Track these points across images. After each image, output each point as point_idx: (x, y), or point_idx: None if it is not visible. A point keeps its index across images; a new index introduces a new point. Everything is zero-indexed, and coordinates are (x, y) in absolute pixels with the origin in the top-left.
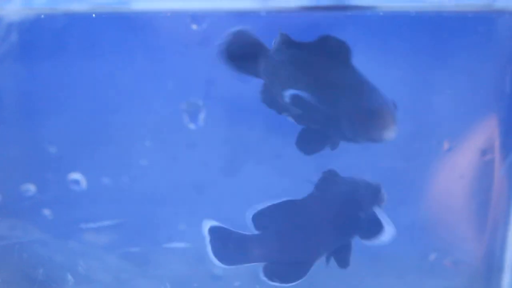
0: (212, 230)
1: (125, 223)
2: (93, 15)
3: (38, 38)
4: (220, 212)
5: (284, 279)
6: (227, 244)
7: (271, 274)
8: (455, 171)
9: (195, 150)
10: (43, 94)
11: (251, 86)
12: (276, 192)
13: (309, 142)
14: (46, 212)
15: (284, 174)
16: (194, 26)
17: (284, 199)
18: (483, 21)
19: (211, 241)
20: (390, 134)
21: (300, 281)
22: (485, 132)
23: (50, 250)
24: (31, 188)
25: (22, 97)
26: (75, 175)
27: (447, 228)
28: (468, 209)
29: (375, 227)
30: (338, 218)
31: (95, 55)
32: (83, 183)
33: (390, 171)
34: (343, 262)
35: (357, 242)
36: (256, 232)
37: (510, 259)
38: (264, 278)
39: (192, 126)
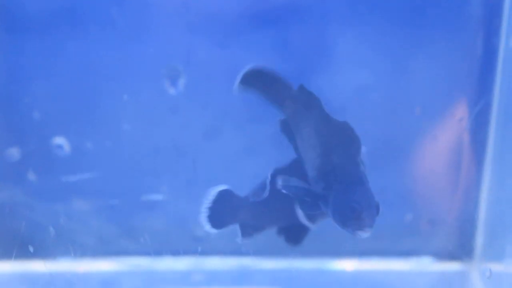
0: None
1: (106, 178)
2: None
3: (21, 6)
4: (201, 175)
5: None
6: (224, 208)
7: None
8: (428, 134)
9: (176, 114)
10: (27, 61)
11: (230, 52)
12: (256, 155)
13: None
14: (30, 175)
15: (263, 138)
16: None
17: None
18: None
19: (211, 206)
20: (364, 235)
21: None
22: (456, 95)
23: (35, 213)
24: (15, 152)
25: (6, 63)
26: (59, 140)
27: (422, 189)
28: (441, 169)
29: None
30: None
31: (77, 22)
32: (67, 147)
33: (365, 135)
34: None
35: None
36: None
37: (483, 216)
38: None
39: (172, 90)
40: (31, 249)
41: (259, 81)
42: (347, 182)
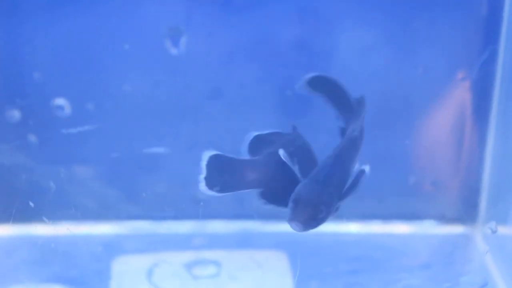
0: (210, 159)
1: (106, 139)
2: None
3: None
4: (203, 136)
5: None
6: (223, 172)
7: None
8: (431, 94)
9: (178, 75)
10: (27, 20)
11: (231, 9)
12: (258, 116)
13: None
14: (31, 138)
15: (266, 98)
16: None
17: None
18: None
19: (207, 171)
20: (294, 228)
21: None
22: (460, 54)
23: (35, 175)
24: (15, 114)
25: (6, 23)
26: (59, 101)
27: (425, 151)
28: (445, 131)
29: None
30: None
31: None
32: (67, 108)
33: (368, 96)
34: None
35: None
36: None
37: (487, 178)
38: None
39: (174, 51)
40: (31, 205)
41: (323, 86)
42: (309, 178)
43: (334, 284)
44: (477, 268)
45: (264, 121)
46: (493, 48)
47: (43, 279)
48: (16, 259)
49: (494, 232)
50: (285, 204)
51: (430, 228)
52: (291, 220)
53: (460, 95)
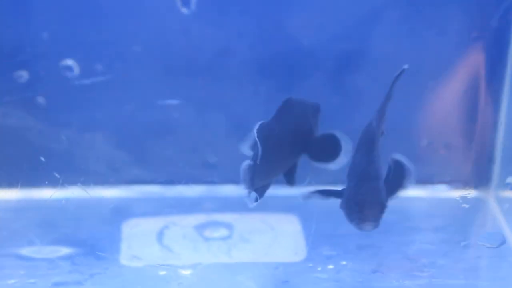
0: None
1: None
2: None
3: None
4: (214, 98)
5: None
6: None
7: None
8: (445, 55)
9: (188, 34)
10: None
11: None
12: (269, 77)
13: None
14: (39, 99)
15: (276, 59)
16: None
17: None
18: None
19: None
20: (366, 229)
21: None
22: (474, 12)
23: (44, 137)
24: (23, 74)
25: None
26: (68, 61)
27: (439, 114)
28: (458, 93)
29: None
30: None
31: None
32: (76, 69)
33: (382, 56)
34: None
35: None
36: None
37: (500, 143)
38: None
39: (184, 10)
40: (42, 160)
41: None
42: (358, 178)
43: (347, 246)
44: (493, 229)
45: (276, 81)
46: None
47: (53, 241)
48: (26, 221)
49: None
50: None
51: (442, 192)
52: (362, 222)
53: (474, 56)
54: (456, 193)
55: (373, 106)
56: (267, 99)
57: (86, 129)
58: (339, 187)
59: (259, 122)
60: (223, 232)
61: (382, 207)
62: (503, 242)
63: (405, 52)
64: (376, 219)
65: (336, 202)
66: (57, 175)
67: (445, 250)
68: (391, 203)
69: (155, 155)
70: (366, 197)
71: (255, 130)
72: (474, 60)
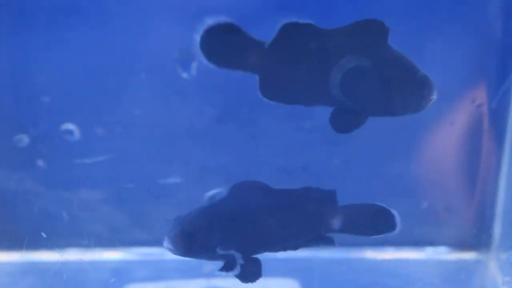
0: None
1: (118, 164)
2: None
3: None
4: (214, 162)
5: None
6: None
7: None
8: (446, 119)
9: (189, 99)
10: (36, 43)
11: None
12: (270, 142)
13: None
14: (40, 162)
15: (278, 121)
16: None
17: None
18: None
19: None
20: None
21: None
22: (475, 79)
23: (44, 201)
24: (24, 138)
25: (14, 47)
26: (69, 125)
27: (439, 176)
28: (459, 156)
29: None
30: None
31: (88, 7)
32: (77, 133)
33: (381, 122)
34: None
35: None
36: None
37: (501, 205)
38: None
39: (185, 75)
40: (43, 235)
41: None
42: None
43: None
44: None
45: (275, 146)
46: (510, 76)
47: None
48: (25, 286)
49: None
50: None
51: (443, 254)
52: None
53: (475, 121)
54: (457, 256)
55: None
56: (269, 161)
57: (86, 191)
58: None
59: None
60: None
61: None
62: None
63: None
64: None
65: (337, 266)
66: (57, 249)
67: None
68: (391, 266)
69: (156, 218)
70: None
71: None
72: (475, 125)
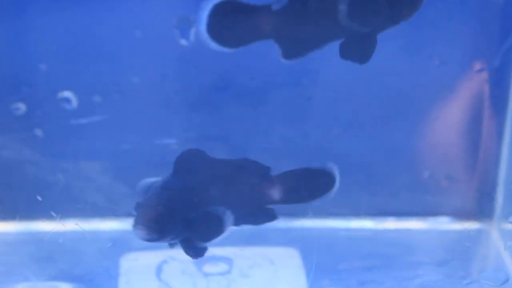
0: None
1: (114, 132)
2: None
3: None
4: (213, 128)
5: None
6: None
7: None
8: (447, 87)
9: (187, 66)
10: (33, 10)
11: None
12: (268, 107)
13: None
14: (37, 131)
15: (276, 88)
16: None
17: None
18: None
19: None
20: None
21: None
22: (475, 45)
23: (41, 170)
24: (21, 106)
25: (11, 13)
26: (66, 93)
27: (441, 145)
28: (461, 125)
29: None
30: None
31: None
32: (74, 101)
33: (381, 87)
34: None
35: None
36: None
37: (503, 174)
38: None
39: (183, 42)
40: (39, 200)
41: None
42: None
43: (349, 281)
44: (496, 264)
45: (273, 112)
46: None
47: (50, 277)
48: (23, 255)
49: None
50: None
51: (445, 224)
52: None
53: (476, 87)
54: (458, 225)
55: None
56: (267, 128)
57: (84, 160)
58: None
59: None
60: (222, 267)
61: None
62: (506, 280)
63: (406, 83)
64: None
65: (338, 236)
66: (53, 213)
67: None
68: (392, 236)
69: None
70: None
71: None
72: (477, 92)
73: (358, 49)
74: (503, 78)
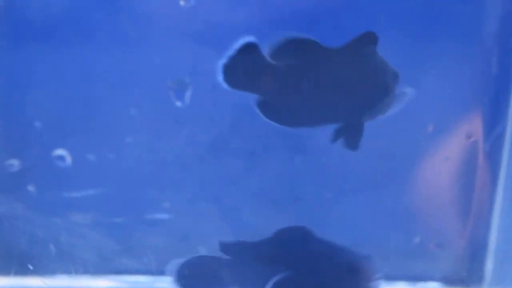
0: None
1: (109, 194)
2: None
3: (23, 13)
4: (206, 190)
5: None
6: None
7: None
8: (440, 154)
9: (181, 127)
10: (29, 69)
11: None
12: (262, 170)
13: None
14: (30, 188)
15: (269, 152)
16: (182, 2)
17: None
18: (470, 1)
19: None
20: None
21: None
22: (470, 115)
23: (34, 226)
24: (15, 163)
25: (8, 71)
26: (60, 151)
27: (432, 211)
28: (452, 191)
29: None
30: None
31: (80, 31)
32: (68, 159)
33: (375, 152)
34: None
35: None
36: None
37: (494, 241)
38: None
39: (178, 103)
40: (30, 266)
41: None
42: None
43: None
44: None
45: (268, 174)
46: (505, 114)
47: None
48: None
49: None
50: None
51: None
52: None
53: (470, 156)
54: None
55: None
56: (261, 191)
57: (77, 217)
58: None
59: None
60: None
61: None
62: None
63: (400, 147)
64: None
65: None
66: (43, 281)
67: None
68: None
69: (145, 245)
70: None
71: None
72: (471, 160)
73: (348, 138)
74: (495, 149)
